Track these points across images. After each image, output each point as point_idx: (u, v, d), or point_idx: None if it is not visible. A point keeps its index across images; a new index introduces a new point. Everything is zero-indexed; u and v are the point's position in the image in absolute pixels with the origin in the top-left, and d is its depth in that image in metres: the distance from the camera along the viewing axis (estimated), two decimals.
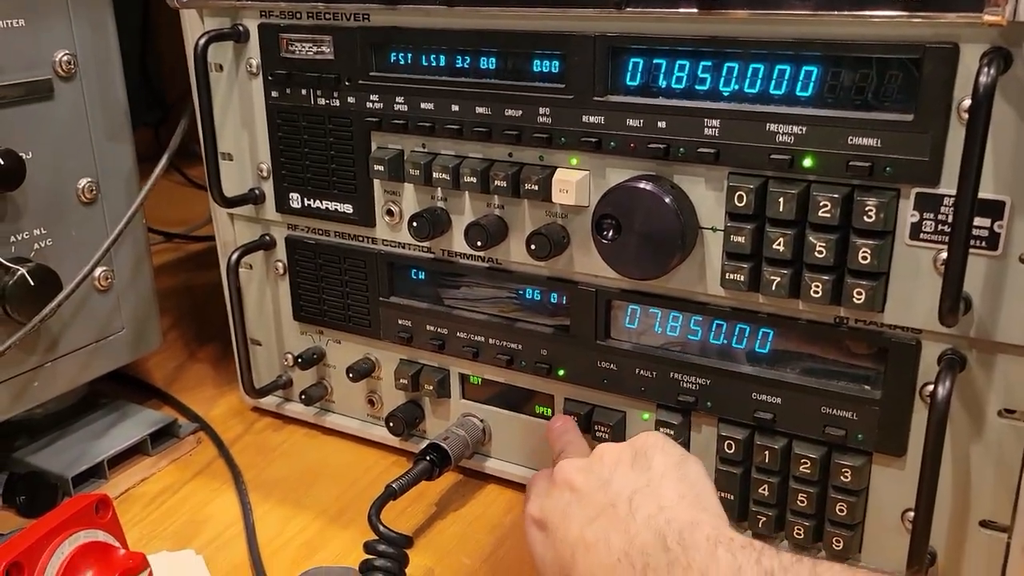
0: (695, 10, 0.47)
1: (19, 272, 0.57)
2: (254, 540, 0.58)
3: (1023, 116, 0.41)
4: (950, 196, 0.43)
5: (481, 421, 0.64)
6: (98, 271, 0.64)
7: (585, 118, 0.52)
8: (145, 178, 0.65)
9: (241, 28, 0.63)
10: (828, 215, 0.46)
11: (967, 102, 0.41)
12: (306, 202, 0.65)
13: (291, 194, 0.65)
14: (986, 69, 0.39)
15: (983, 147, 0.40)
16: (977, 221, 0.43)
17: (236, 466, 0.67)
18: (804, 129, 0.46)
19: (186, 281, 1.02)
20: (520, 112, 0.54)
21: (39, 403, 0.63)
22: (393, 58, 0.58)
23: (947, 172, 0.44)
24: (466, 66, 0.56)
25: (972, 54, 0.41)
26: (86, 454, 0.65)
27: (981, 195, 0.42)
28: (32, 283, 0.58)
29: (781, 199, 0.47)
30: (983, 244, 0.44)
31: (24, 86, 0.58)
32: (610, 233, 0.52)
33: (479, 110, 0.55)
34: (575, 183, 0.53)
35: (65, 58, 0.60)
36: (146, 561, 0.47)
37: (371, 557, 0.52)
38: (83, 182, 0.63)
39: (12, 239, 0.59)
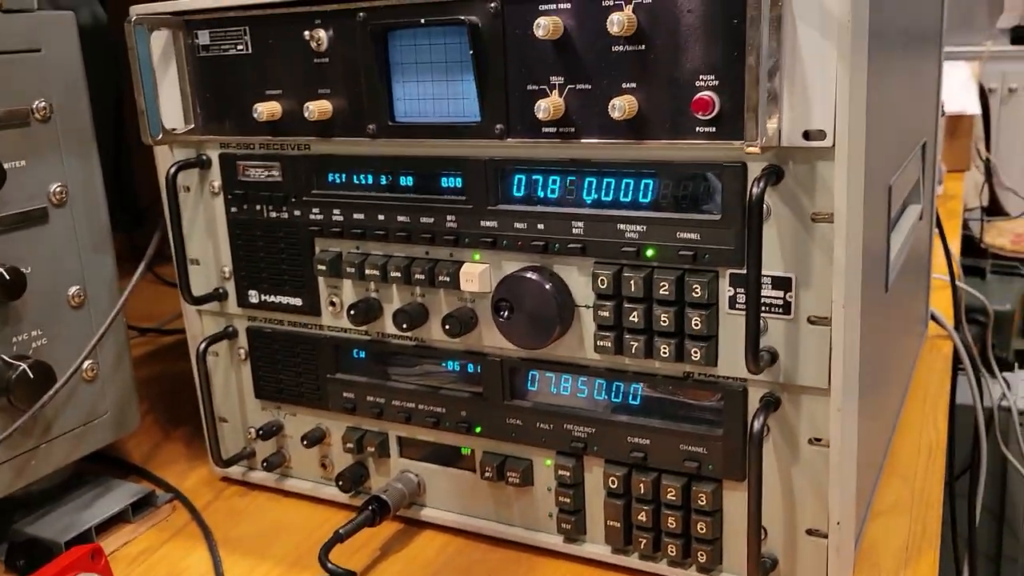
0: (557, 140, 0.61)
1: (21, 367, 0.69)
2: None
3: (795, 215, 0.55)
4: None
5: (416, 476, 0.75)
6: (85, 364, 0.75)
7: (483, 223, 0.65)
8: (122, 279, 0.77)
9: (205, 157, 0.76)
10: (667, 293, 0.59)
11: None
12: (263, 298, 0.77)
13: (250, 291, 0.78)
14: (758, 183, 0.53)
15: (759, 242, 0.53)
16: (773, 293, 0.57)
17: (207, 527, 0.77)
18: (645, 228, 0.60)
19: (160, 371, 1.13)
20: (432, 219, 0.67)
21: (36, 479, 0.74)
22: (330, 178, 0.72)
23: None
24: (389, 184, 0.69)
25: (757, 169, 0.55)
26: (76, 522, 0.75)
27: (773, 272, 0.56)
28: (32, 376, 0.69)
29: (632, 282, 0.60)
30: (780, 310, 0.57)
31: (25, 214, 0.70)
32: (505, 313, 0.64)
33: (400, 219, 0.69)
34: (478, 274, 0.66)
35: (58, 189, 0.73)
36: None
37: None
38: (73, 289, 0.75)
39: (14, 340, 0.70)
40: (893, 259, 0.71)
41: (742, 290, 0.58)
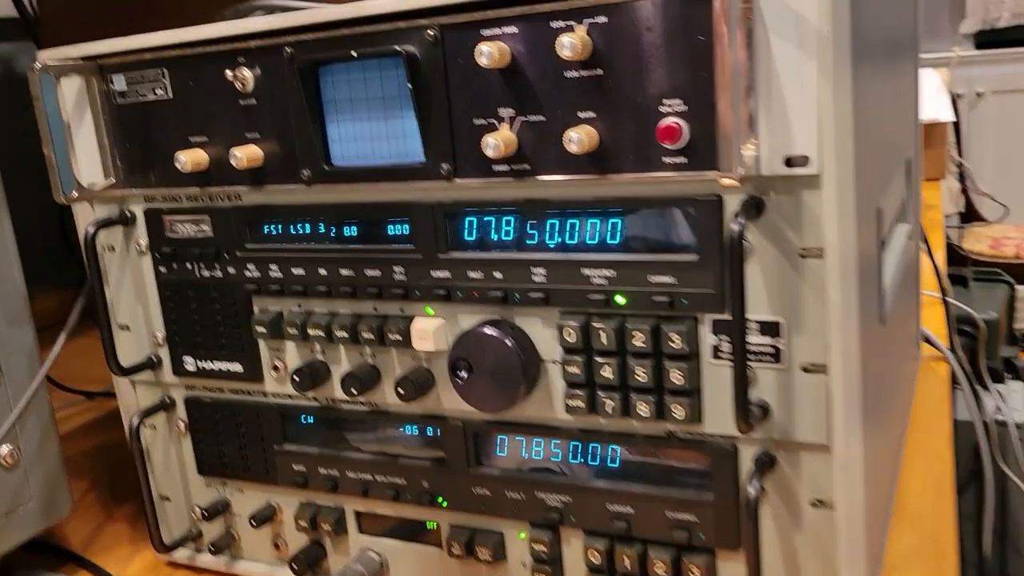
0: (511, 179, 0.54)
1: None
2: None
3: (781, 251, 0.49)
4: None
5: (378, 555, 0.68)
6: (3, 448, 0.68)
7: (434, 273, 0.59)
8: (68, 342, 0.70)
9: (128, 213, 0.69)
10: (642, 344, 0.53)
11: None
12: (200, 364, 0.70)
13: (185, 358, 0.70)
14: (737, 218, 0.47)
15: (741, 281, 0.47)
16: (760, 339, 0.50)
17: None
18: (614, 272, 0.53)
19: (104, 440, 1.05)
20: (379, 272, 0.61)
21: None
22: (265, 231, 0.65)
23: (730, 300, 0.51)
24: (330, 234, 0.62)
25: (734, 203, 0.49)
26: None
27: (760, 317, 0.50)
28: None
29: (603, 333, 0.54)
30: (769, 358, 0.51)
31: None
32: (464, 374, 0.58)
33: (344, 272, 0.62)
34: (432, 331, 0.59)
35: None
36: None
37: None
38: None
39: None
40: (887, 286, 0.64)
41: (726, 338, 0.52)
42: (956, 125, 2.45)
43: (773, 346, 0.50)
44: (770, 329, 0.50)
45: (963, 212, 2.67)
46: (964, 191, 2.66)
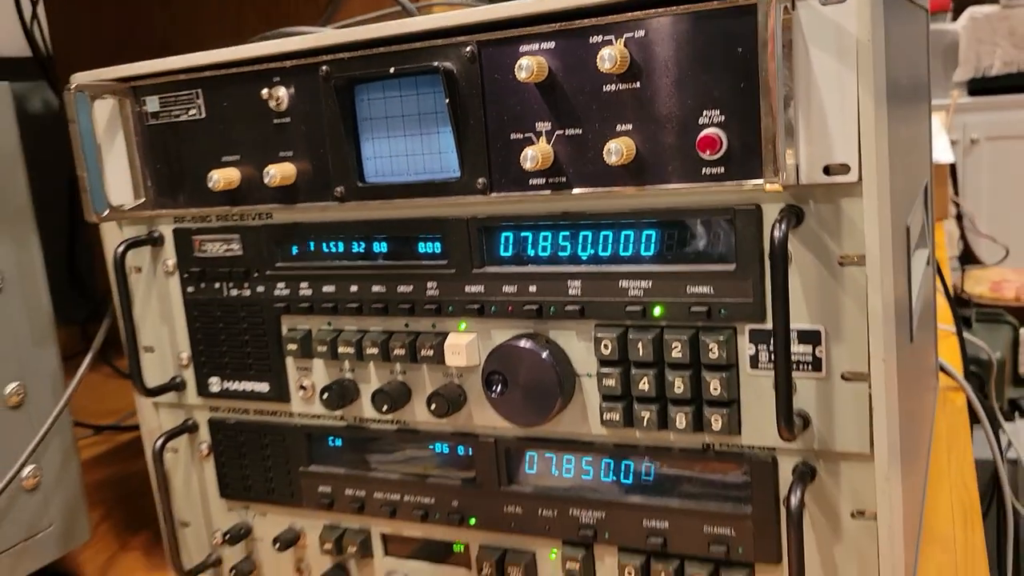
0: (547, 192, 0.55)
1: None
2: None
3: (821, 260, 0.49)
4: None
5: None
6: (25, 470, 0.67)
7: (467, 288, 0.59)
8: (70, 375, 0.69)
9: (157, 234, 0.69)
10: (680, 355, 0.53)
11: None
12: (225, 385, 0.70)
13: (211, 379, 0.70)
14: (779, 225, 0.47)
15: (786, 289, 0.47)
16: (801, 348, 0.50)
17: None
18: (651, 283, 0.54)
19: (117, 472, 1.04)
20: (411, 288, 0.61)
21: None
22: (295, 249, 0.65)
23: (770, 309, 0.51)
24: (361, 251, 0.63)
25: (772, 212, 0.50)
26: None
27: (799, 326, 0.50)
28: None
29: (640, 344, 0.54)
30: (809, 367, 0.51)
31: None
32: (498, 388, 0.57)
33: (375, 289, 0.62)
34: (465, 346, 0.59)
35: None
36: None
37: None
38: (10, 387, 0.67)
39: None
40: (914, 305, 0.65)
41: (764, 347, 0.52)
42: (952, 169, 2.48)
43: (813, 355, 0.51)
44: (810, 337, 0.50)
45: (960, 255, 2.69)
46: (962, 234, 2.69)
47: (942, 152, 1.89)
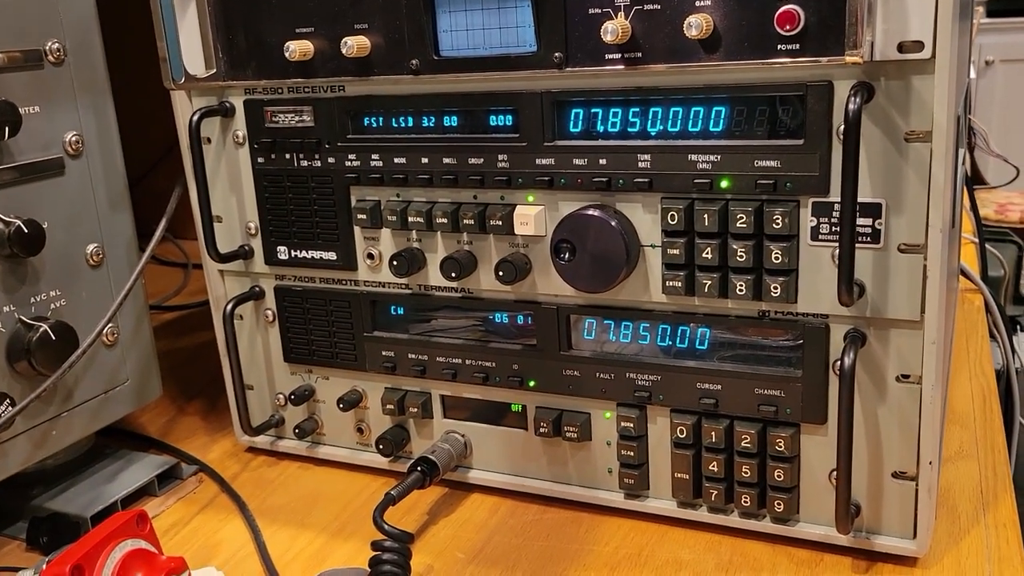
0: (622, 67, 0.57)
1: (42, 328, 0.64)
2: (267, 554, 0.65)
3: (887, 135, 0.52)
4: (838, 203, 0.54)
5: (463, 436, 0.71)
6: (106, 327, 0.70)
7: (538, 161, 0.62)
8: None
9: (228, 104, 0.71)
10: (744, 226, 0.56)
11: (843, 127, 0.52)
12: (293, 253, 0.73)
13: (279, 247, 0.73)
14: (853, 99, 0.50)
15: (856, 162, 0.50)
16: (861, 221, 0.54)
17: (240, 497, 0.73)
18: (719, 157, 0.57)
19: (165, 347, 1.08)
20: (482, 160, 0.64)
21: (57, 450, 0.69)
22: (367, 122, 0.67)
23: (834, 183, 0.54)
24: (432, 124, 0.65)
25: (843, 89, 0.52)
26: (100, 496, 0.70)
27: (861, 199, 0.53)
28: (53, 338, 0.64)
29: (705, 216, 0.57)
30: (868, 239, 0.54)
31: (40, 164, 0.65)
32: (566, 255, 0.61)
33: (446, 161, 0.65)
34: (533, 216, 0.62)
35: (73, 138, 0.68)
36: (186, 564, 0.53)
37: (379, 553, 0.59)
38: (91, 247, 0.70)
39: (32, 300, 0.65)
40: (957, 193, 0.68)
41: (825, 220, 0.55)
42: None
43: (872, 227, 0.54)
44: (871, 210, 0.54)
45: (966, 176, 2.70)
46: (971, 153, 2.69)
47: None
